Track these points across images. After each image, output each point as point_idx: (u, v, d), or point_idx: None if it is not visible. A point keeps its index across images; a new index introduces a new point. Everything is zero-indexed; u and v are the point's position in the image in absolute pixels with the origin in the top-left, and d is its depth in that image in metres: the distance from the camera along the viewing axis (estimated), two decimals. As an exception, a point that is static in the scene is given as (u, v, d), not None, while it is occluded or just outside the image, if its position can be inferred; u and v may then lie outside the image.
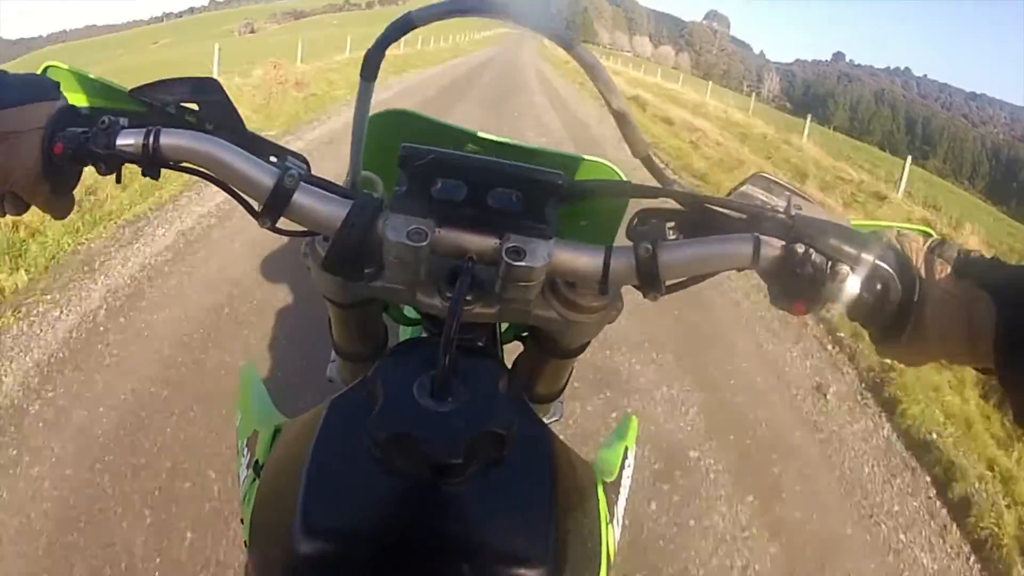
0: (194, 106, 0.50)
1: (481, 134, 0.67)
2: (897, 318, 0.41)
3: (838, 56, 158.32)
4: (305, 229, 0.45)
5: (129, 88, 0.49)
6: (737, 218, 0.46)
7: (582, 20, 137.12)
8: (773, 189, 0.48)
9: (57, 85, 0.46)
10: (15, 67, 0.48)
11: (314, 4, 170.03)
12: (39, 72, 0.48)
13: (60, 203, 0.47)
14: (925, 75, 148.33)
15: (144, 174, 0.44)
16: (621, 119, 0.47)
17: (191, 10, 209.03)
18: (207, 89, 0.50)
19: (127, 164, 0.44)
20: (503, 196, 0.44)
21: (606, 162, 0.66)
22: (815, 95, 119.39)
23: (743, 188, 0.49)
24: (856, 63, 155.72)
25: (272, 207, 0.43)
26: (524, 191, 0.44)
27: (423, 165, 0.43)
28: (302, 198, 0.43)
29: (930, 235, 0.46)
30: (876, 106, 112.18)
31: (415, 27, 0.45)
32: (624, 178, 0.63)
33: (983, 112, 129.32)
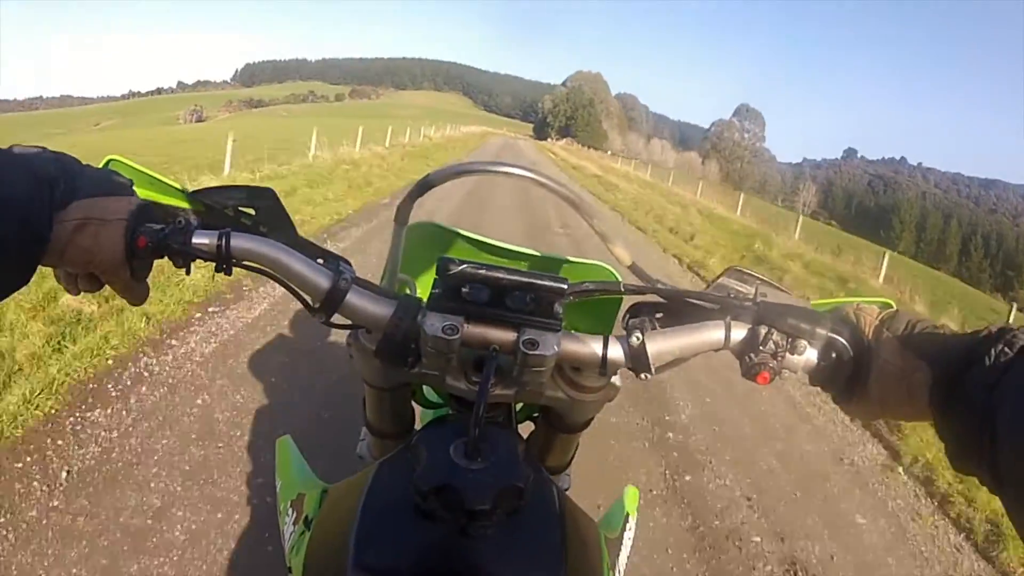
0: (251, 210, 0.54)
1: (497, 243, 0.78)
2: (850, 381, 0.48)
3: (850, 153, 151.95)
4: (352, 323, 0.52)
5: (190, 189, 0.55)
6: (712, 307, 0.53)
7: (587, 118, 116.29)
8: (746, 279, 0.56)
9: (131, 183, 0.51)
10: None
11: (274, 94, 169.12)
12: (102, 165, 0.52)
13: (137, 289, 0.51)
14: (920, 163, 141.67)
15: (216, 270, 0.50)
16: (603, 238, 0.60)
17: (158, 90, 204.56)
18: (263, 196, 0.54)
19: (198, 260, 0.49)
20: (519, 298, 0.50)
21: (604, 264, 0.75)
22: (861, 207, 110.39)
23: (720, 280, 0.57)
24: (867, 158, 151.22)
25: (328, 305, 0.50)
26: (535, 294, 0.50)
27: (455, 274, 0.50)
28: (354, 298, 0.51)
29: (889, 305, 0.52)
30: (943, 224, 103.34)
31: (433, 186, 0.56)
32: (619, 277, 0.68)
33: (1007, 203, 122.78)
